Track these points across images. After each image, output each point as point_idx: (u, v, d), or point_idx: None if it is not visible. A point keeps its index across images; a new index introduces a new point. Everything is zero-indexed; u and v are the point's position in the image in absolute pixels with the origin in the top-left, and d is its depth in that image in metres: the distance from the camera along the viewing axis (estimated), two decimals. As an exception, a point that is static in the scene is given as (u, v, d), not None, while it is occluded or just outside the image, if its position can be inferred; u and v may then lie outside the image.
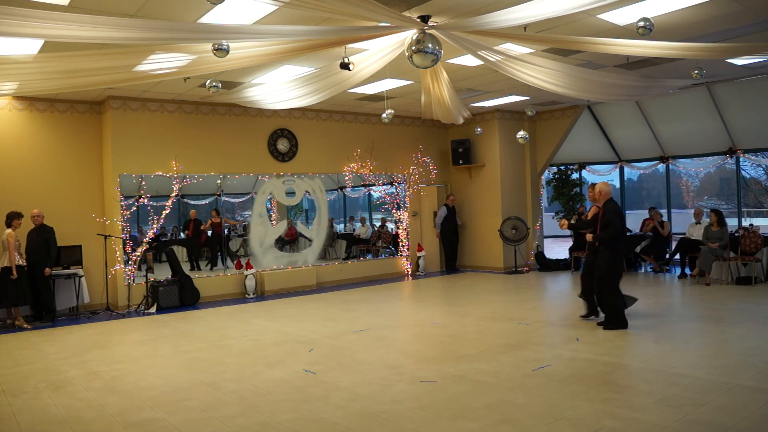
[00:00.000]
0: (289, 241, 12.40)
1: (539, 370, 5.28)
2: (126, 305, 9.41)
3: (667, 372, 5.02)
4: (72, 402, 4.86)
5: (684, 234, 11.08)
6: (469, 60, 7.98)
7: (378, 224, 13.87)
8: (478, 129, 11.13)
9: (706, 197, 18.01)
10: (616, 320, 6.71)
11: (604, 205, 6.90)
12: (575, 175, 13.96)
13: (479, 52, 6.43)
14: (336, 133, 11.91)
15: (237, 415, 4.43)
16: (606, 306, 6.78)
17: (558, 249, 15.53)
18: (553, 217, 13.58)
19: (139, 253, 9.59)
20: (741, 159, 11.82)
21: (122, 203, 9.46)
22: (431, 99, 8.14)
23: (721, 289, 9.25)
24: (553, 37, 6.58)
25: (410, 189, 12.88)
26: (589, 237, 7.02)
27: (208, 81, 7.35)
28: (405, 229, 12.78)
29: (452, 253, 13.13)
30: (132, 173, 9.58)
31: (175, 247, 10.42)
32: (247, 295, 10.41)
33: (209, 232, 11.45)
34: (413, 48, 5.73)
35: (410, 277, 12.44)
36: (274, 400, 4.74)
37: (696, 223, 10.89)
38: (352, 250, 13.32)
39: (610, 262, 6.73)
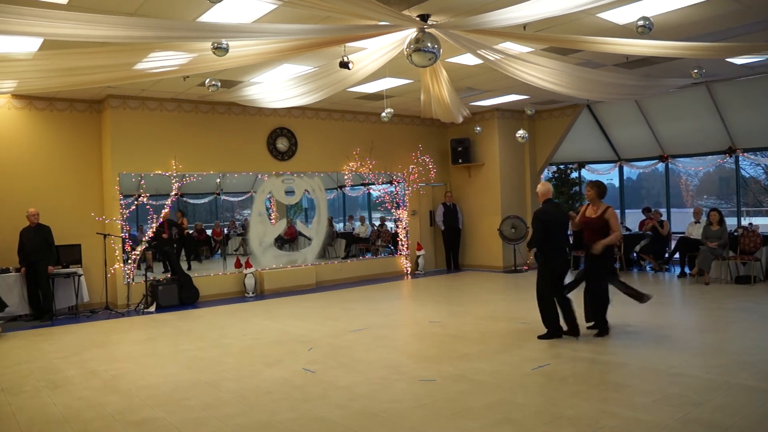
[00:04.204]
0: (288, 240, 12.40)
1: (539, 369, 5.28)
2: (125, 304, 9.41)
3: (667, 371, 5.02)
4: (71, 401, 4.85)
5: (683, 233, 11.09)
6: (468, 59, 7.97)
7: (377, 223, 13.87)
8: (478, 128, 11.15)
9: (705, 196, 18.00)
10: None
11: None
12: (575, 174, 13.97)
13: (479, 51, 6.42)
14: (335, 132, 11.90)
15: (236, 414, 4.43)
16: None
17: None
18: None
19: (138, 252, 9.58)
20: (740, 158, 11.82)
21: (121, 202, 9.46)
22: (431, 98, 8.14)
23: (721, 289, 9.25)
24: (553, 37, 6.57)
25: (410, 188, 12.88)
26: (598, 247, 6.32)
27: (208, 80, 7.34)
28: (404, 228, 12.78)
29: (452, 252, 13.12)
30: (131, 172, 9.57)
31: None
32: (246, 294, 10.41)
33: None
34: (412, 47, 5.73)
35: (409, 276, 12.43)
36: (274, 399, 4.74)
37: (695, 223, 10.89)
38: (352, 249, 13.31)
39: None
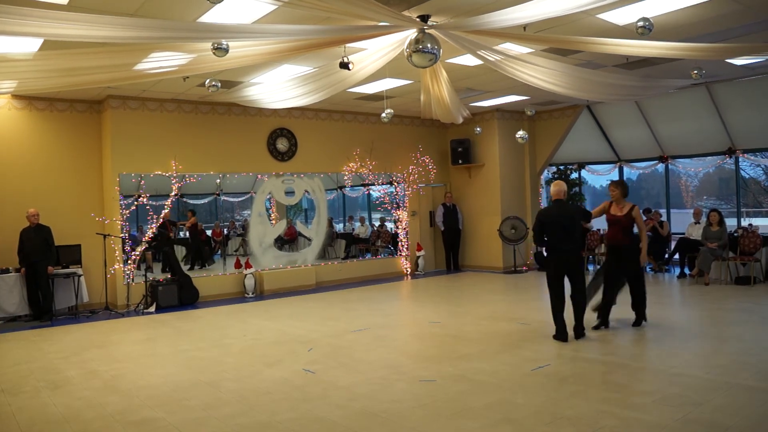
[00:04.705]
0: (288, 241, 12.40)
1: (539, 369, 5.28)
2: (125, 304, 9.41)
3: (667, 372, 5.02)
4: (71, 401, 4.85)
5: (683, 234, 11.09)
6: (468, 59, 7.97)
7: (377, 224, 13.88)
8: (478, 129, 11.14)
9: (705, 197, 18.00)
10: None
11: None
12: (575, 175, 13.97)
13: (479, 52, 6.42)
14: (335, 133, 11.91)
15: (236, 414, 4.43)
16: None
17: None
18: None
19: (138, 252, 9.58)
20: (740, 159, 11.83)
21: (121, 202, 9.46)
22: (431, 98, 8.14)
23: (720, 289, 9.25)
24: (553, 37, 6.57)
25: (409, 188, 12.88)
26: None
27: (208, 80, 7.34)
28: (404, 228, 12.78)
29: (452, 252, 13.13)
30: (131, 172, 9.57)
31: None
32: (246, 295, 10.41)
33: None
34: (412, 47, 5.73)
35: (409, 277, 12.43)
36: (274, 399, 4.74)
37: (695, 223, 10.89)
38: (352, 250, 13.32)
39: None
